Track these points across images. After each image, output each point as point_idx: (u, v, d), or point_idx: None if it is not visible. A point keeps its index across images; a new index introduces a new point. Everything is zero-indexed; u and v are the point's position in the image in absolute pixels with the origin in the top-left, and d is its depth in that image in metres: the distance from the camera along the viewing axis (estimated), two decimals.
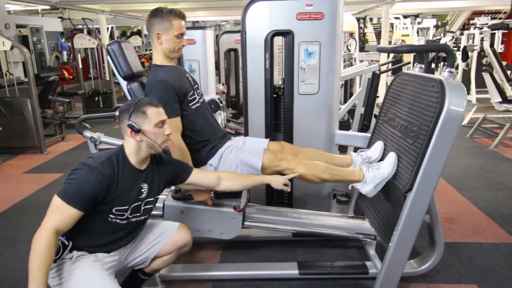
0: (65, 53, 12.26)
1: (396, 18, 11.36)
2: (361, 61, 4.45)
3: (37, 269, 1.40)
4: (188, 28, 4.14)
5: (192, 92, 2.10)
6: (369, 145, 2.40)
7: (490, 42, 6.90)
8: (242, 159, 2.07)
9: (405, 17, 11.51)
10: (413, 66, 6.15)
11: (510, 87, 6.09)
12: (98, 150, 2.60)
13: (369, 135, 2.47)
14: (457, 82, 1.82)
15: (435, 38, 10.49)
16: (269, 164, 2.05)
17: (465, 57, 8.00)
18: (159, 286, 2.19)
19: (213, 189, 1.99)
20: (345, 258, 2.52)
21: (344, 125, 4.23)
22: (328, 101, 2.59)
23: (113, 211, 1.62)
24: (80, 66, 7.31)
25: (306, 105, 2.59)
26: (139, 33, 16.22)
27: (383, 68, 5.40)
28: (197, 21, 13.85)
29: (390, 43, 10.10)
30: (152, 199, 1.77)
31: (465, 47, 7.87)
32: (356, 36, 6.35)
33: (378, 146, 2.21)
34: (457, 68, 8.66)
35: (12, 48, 4.80)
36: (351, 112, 4.16)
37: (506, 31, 7.87)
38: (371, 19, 13.40)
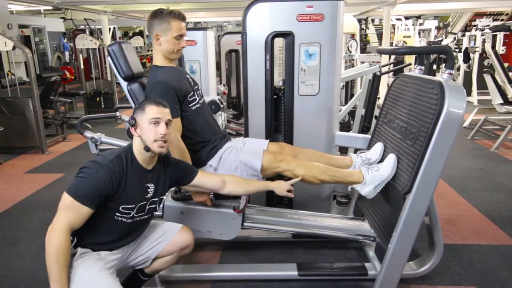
0: (67, 53, 12.30)
1: (398, 19, 11.36)
2: (362, 62, 4.45)
3: (59, 271, 1.43)
4: (189, 29, 4.16)
5: (192, 93, 2.10)
6: (369, 147, 2.40)
7: (491, 43, 6.88)
8: (241, 160, 2.08)
9: (406, 18, 11.50)
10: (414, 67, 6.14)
11: (511, 88, 6.07)
12: (99, 150, 2.61)
13: (369, 136, 2.47)
14: (456, 84, 1.82)
15: (436, 40, 10.48)
16: (269, 165, 2.06)
17: (466, 59, 7.99)
18: (158, 286, 2.19)
19: (216, 192, 2.00)
20: (344, 259, 2.52)
21: (345, 126, 4.24)
22: (328, 102, 2.59)
23: (120, 209, 1.64)
24: (82, 66, 7.33)
25: (306, 106, 2.59)
26: (141, 33, 16.24)
27: (385, 69, 5.41)
28: (199, 22, 13.88)
29: (391, 44, 10.09)
30: (157, 199, 1.79)
31: (466, 48, 7.85)
32: (357, 37, 6.35)
33: (378, 147, 2.21)
34: (458, 69, 8.65)
35: (14, 48, 4.81)
36: (352, 113, 4.16)
37: (508, 33, 7.84)
38: (372, 20, 13.38)
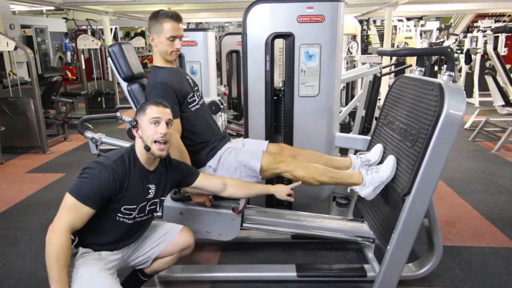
0: (69, 53, 12.33)
1: (400, 20, 11.34)
2: (363, 63, 4.45)
3: (59, 271, 1.43)
4: (189, 30, 4.16)
5: (192, 94, 2.10)
6: (369, 148, 2.40)
7: (493, 45, 6.87)
8: (241, 161, 2.08)
9: (408, 19, 11.49)
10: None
11: None
12: (99, 150, 2.62)
13: (369, 137, 2.47)
14: (456, 85, 1.82)
15: (438, 41, 10.46)
16: (268, 166, 2.06)
17: (468, 60, 7.97)
18: (157, 286, 2.19)
19: (217, 195, 2.00)
20: (343, 260, 2.52)
21: (345, 127, 4.23)
22: (328, 103, 2.59)
23: (122, 209, 1.65)
24: (83, 66, 7.35)
25: (306, 108, 2.59)
26: (142, 34, 16.26)
27: (386, 70, 5.41)
28: (200, 23, 13.89)
29: (393, 45, 10.07)
30: (157, 200, 1.79)
31: (468, 50, 7.84)
32: (358, 38, 6.34)
33: (378, 149, 2.21)
34: (460, 71, 8.65)
35: (16, 48, 4.83)
36: (352, 114, 4.16)
37: (510, 34, 7.83)
38: (374, 21, 13.37)
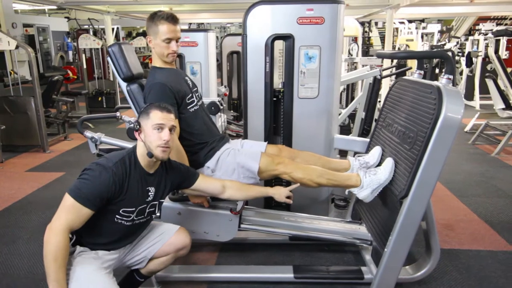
0: (70, 53, 12.35)
1: (401, 22, 11.35)
2: (364, 65, 4.45)
3: (56, 270, 1.44)
4: (190, 30, 4.17)
5: (190, 95, 2.11)
6: (367, 150, 2.40)
7: (494, 48, 6.87)
8: (239, 162, 2.08)
9: (410, 21, 11.49)
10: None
11: None
12: (99, 150, 2.62)
13: (368, 140, 2.47)
14: (454, 89, 1.82)
15: (439, 44, 10.46)
16: (266, 167, 2.06)
17: (469, 63, 7.97)
18: (155, 286, 2.20)
19: (216, 197, 2.01)
20: (341, 262, 2.52)
21: (345, 129, 4.23)
22: (328, 105, 2.59)
23: (120, 212, 1.65)
24: (85, 66, 7.36)
25: (306, 109, 2.59)
26: (144, 34, 16.26)
27: (387, 72, 5.41)
28: (202, 23, 13.90)
29: (394, 47, 10.08)
30: (156, 202, 1.80)
31: (469, 53, 7.84)
32: (359, 40, 6.35)
33: (376, 151, 2.21)
34: (461, 73, 8.64)
35: (17, 47, 4.84)
36: (352, 116, 4.16)
37: (511, 38, 7.82)
38: (376, 23, 13.38)
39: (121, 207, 1.63)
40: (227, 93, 5.16)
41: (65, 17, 13.08)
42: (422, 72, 2.22)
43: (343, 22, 2.53)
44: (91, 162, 1.61)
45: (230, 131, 4.59)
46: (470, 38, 8.50)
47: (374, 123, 3.57)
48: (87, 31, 9.99)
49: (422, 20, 12.73)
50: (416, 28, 11.34)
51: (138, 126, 1.65)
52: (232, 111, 5.55)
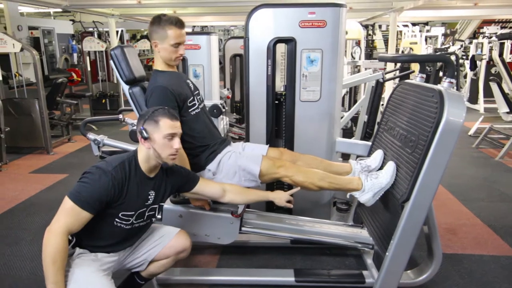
0: (75, 55, 12.43)
1: (405, 25, 11.33)
2: (366, 68, 4.45)
3: (55, 273, 1.44)
4: (193, 34, 4.18)
5: (192, 98, 2.11)
6: (369, 154, 2.39)
7: (499, 51, 6.84)
8: (240, 165, 2.08)
9: (414, 24, 11.48)
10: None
11: None
12: (102, 152, 2.64)
13: (370, 143, 2.46)
14: (456, 92, 1.82)
15: (443, 47, 10.43)
16: (267, 171, 2.06)
17: (473, 66, 7.95)
18: None
19: (217, 200, 2.01)
20: (343, 266, 2.51)
21: (347, 132, 4.23)
22: (330, 108, 2.59)
23: (120, 215, 1.65)
24: (89, 68, 7.40)
25: (308, 112, 2.59)
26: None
27: (391, 75, 5.40)
28: (206, 26, 13.95)
29: (397, 50, 10.07)
30: (156, 206, 1.80)
31: (473, 56, 7.81)
32: (362, 43, 6.34)
33: (378, 154, 2.21)
34: (465, 77, 8.61)
35: (22, 50, 4.87)
36: (355, 119, 4.15)
37: None
38: (380, 26, 13.37)
39: (120, 211, 1.63)
40: (230, 95, 5.16)
41: (70, 20, 13.17)
42: (424, 75, 2.22)
43: (345, 25, 2.53)
44: (91, 166, 1.61)
45: (232, 133, 4.59)
46: (474, 41, 8.47)
47: (376, 126, 3.56)
48: (91, 33, 10.06)
49: (426, 23, 12.72)
50: (420, 31, 11.33)
51: (147, 135, 1.61)
52: (234, 113, 5.55)
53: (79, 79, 8.27)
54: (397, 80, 5.95)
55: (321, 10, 2.43)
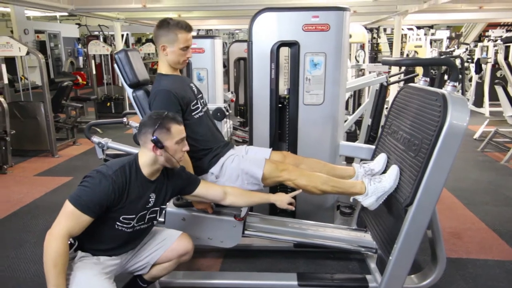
0: (81, 58, 12.52)
1: (410, 29, 11.31)
2: (370, 72, 4.44)
3: (56, 276, 1.46)
4: (197, 37, 4.20)
5: (195, 101, 2.12)
6: (373, 157, 2.39)
7: (504, 54, 6.81)
8: (243, 168, 2.09)
9: (419, 28, 11.45)
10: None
11: None
12: (106, 155, 2.65)
13: (374, 146, 2.45)
14: (460, 96, 1.81)
15: (448, 50, 10.40)
16: (270, 174, 2.06)
17: (478, 70, 7.91)
18: None
19: (218, 203, 2.01)
20: (346, 270, 2.50)
21: (352, 135, 4.22)
22: (333, 112, 2.59)
23: (121, 219, 1.66)
24: (94, 72, 7.45)
25: (311, 116, 2.59)
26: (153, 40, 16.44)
27: (395, 78, 5.38)
28: (210, 30, 14.00)
29: (402, 54, 10.05)
30: (157, 208, 1.80)
31: (478, 59, 7.78)
32: (366, 46, 6.34)
33: (381, 158, 2.20)
34: (470, 80, 8.57)
35: (28, 53, 4.92)
36: (359, 123, 4.15)
37: None
38: (385, 30, 13.36)
39: (121, 214, 1.64)
40: (234, 99, 5.17)
41: (76, 24, 13.26)
42: (428, 79, 2.21)
43: (348, 28, 2.53)
44: (92, 170, 1.62)
45: (236, 137, 4.60)
46: (480, 44, 8.44)
47: (380, 130, 3.55)
48: (97, 37, 10.13)
49: (431, 26, 12.69)
50: (425, 34, 11.30)
51: (161, 145, 1.62)
52: (238, 117, 5.56)
53: (85, 83, 8.33)
54: (402, 83, 5.94)
55: (324, 14, 2.44)
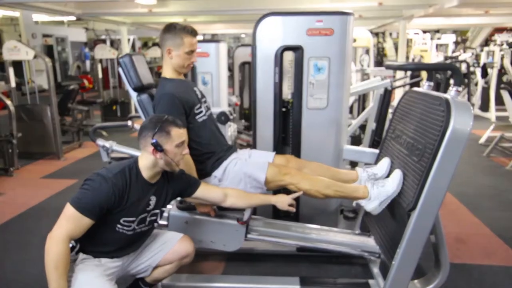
0: (88, 62, 12.62)
1: (416, 33, 11.28)
2: (375, 76, 4.44)
3: (58, 278, 1.47)
4: (202, 41, 4.23)
5: (199, 105, 2.14)
6: (376, 161, 2.38)
7: (510, 59, 6.78)
8: (246, 172, 2.09)
9: (424, 32, 11.42)
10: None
11: None
12: (110, 158, 2.67)
13: (378, 151, 2.45)
14: (463, 101, 1.80)
15: (454, 54, 10.36)
16: (273, 178, 2.07)
17: (484, 74, 7.87)
18: None
19: (218, 205, 2.02)
20: (349, 275, 2.49)
21: (356, 140, 4.21)
22: (337, 116, 2.60)
23: (121, 221, 1.67)
24: (100, 75, 7.50)
25: (315, 120, 2.60)
26: None
27: (401, 82, 5.36)
28: (216, 34, 14.07)
29: (408, 58, 10.02)
30: (158, 211, 1.81)
31: (484, 64, 7.74)
32: (371, 51, 6.33)
33: (385, 162, 2.20)
34: (476, 85, 8.52)
35: (35, 57, 4.97)
36: (363, 127, 4.14)
37: None
38: (390, 34, 13.34)
39: (121, 217, 1.65)
40: (239, 102, 5.19)
41: (84, 28, 13.40)
42: (432, 83, 2.21)
43: (352, 33, 2.54)
44: (92, 172, 1.64)
45: (240, 140, 4.61)
46: (485, 49, 8.40)
47: (384, 134, 3.55)
48: (104, 41, 10.22)
49: (437, 31, 12.65)
50: (431, 38, 11.26)
51: (161, 148, 1.64)
52: (243, 120, 5.57)
53: (91, 86, 8.39)
54: (407, 87, 5.92)
55: (328, 18, 2.45)
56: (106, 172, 1.62)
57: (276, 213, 2.75)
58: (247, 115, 5.63)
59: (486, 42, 12.71)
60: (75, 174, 4.60)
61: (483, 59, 8.25)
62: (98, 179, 1.58)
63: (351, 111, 5.16)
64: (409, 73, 6.41)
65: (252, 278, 2.40)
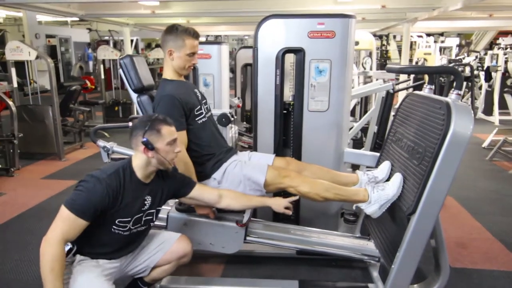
0: (91, 63, 12.66)
1: (419, 36, 11.26)
2: (377, 79, 4.43)
3: (53, 281, 1.46)
4: (204, 43, 4.23)
5: (199, 107, 2.14)
6: (377, 165, 2.37)
7: None
8: (245, 174, 2.09)
9: (428, 35, 11.40)
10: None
11: None
12: (111, 159, 2.67)
13: (379, 154, 2.44)
14: (464, 104, 1.79)
15: (458, 58, 10.33)
16: (273, 180, 2.06)
17: (488, 78, 7.83)
18: None
19: (213, 206, 2.01)
20: (348, 279, 2.47)
21: (358, 143, 4.20)
22: (338, 118, 2.58)
23: (116, 222, 1.66)
24: (103, 76, 7.52)
25: (316, 122, 2.59)
26: None
27: (404, 85, 5.35)
28: (219, 36, 14.08)
29: (411, 61, 10.00)
30: (154, 211, 1.81)
31: (488, 67, 7.71)
32: (374, 54, 6.32)
33: (385, 166, 2.19)
34: (480, 88, 8.49)
35: (37, 57, 4.99)
36: (365, 130, 4.13)
37: None
38: (394, 37, 13.32)
39: (117, 218, 1.65)
40: (240, 104, 5.18)
41: (87, 29, 13.44)
42: (433, 87, 2.20)
43: (354, 36, 2.53)
44: (86, 174, 1.63)
45: (242, 142, 4.60)
46: (489, 52, 8.36)
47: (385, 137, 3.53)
48: (107, 42, 10.24)
49: (441, 34, 12.62)
50: (435, 41, 11.23)
51: (152, 146, 1.63)
52: (245, 122, 5.56)
53: (93, 87, 8.41)
54: (410, 90, 5.90)
55: (330, 21, 2.44)
56: (100, 173, 1.62)
57: (276, 216, 2.74)
58: (249, 117, 5.63)
59: (491, 45, 12.67)
60: (76, 175, 4.60)
61: (487, 63, 8.22)
62: (92, 180, 1.58)
63: (353, 114, 5.15)
64: (412, 76, 6.40)
65: (251, 281, 2.39)
